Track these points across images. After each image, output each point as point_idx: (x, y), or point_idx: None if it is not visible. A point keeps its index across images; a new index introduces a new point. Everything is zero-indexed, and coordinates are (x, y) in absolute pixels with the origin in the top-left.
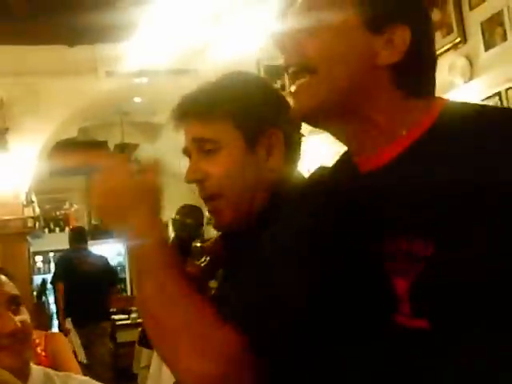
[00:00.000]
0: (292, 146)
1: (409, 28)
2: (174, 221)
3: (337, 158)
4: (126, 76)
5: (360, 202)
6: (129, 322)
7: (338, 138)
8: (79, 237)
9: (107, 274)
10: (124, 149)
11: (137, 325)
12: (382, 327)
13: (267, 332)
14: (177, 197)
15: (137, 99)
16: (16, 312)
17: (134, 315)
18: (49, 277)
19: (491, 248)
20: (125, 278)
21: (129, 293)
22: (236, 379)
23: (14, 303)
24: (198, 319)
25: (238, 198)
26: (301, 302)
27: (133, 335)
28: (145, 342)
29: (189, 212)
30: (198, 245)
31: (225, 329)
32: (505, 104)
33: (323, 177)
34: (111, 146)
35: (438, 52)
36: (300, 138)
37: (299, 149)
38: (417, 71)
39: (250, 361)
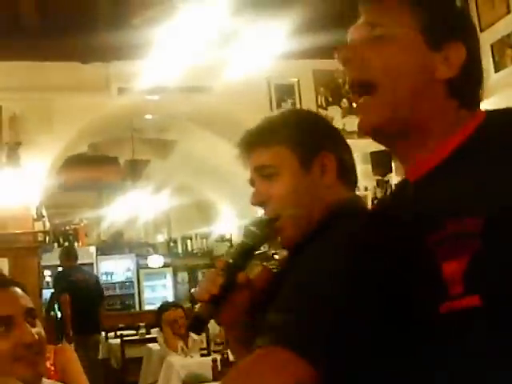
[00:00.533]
0: (344, 167)
1: (463, 45)
2: (245, 228)
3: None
4: (138, 93)
5: (410, 206)
6: (137, 337)
7: (395, 153)
8: (69, 254)
9: (98, 289)
10: (134, 165)
11: (145, 340)
12: (433, 318)
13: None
14: None
15: (148, 116)
16: (32, 324)
17: (142, 331)
18: None
19: None
20: (133, 294)
21: (137, 308)
22: None
23: (30, 316)
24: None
25: (298, 215)
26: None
27: (140, 351)
28: (195, 327)
29: (258, 223)
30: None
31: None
32: None
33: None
34: (121, 162)
35: None
36: (353, 161)
37: (353, 171)
38: (470, 84)
39: None
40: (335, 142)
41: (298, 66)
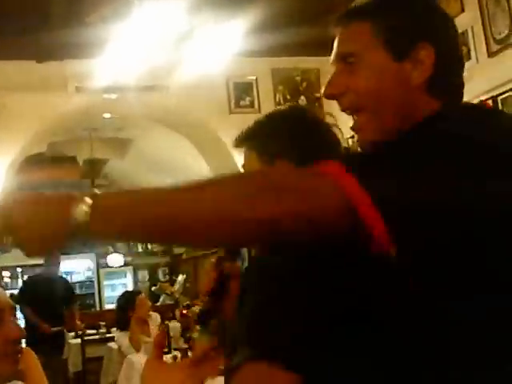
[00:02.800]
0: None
1: (430, 44)
2: None
3: None
4: (96, 92)
5: None
6: (97, 337)
7: None
8: None
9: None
10: (93, 164)
11: (106, 340)
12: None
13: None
14: None
15: (106, 115)
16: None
17: (102, 330)
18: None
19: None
20: (93, 293)
21: (97, 308)
22: None
23: (13, 313)
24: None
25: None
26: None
27: (101, 350)
28: (201, 319)
29: None
30: None
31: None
32: None
33: None
34: (80, 161)
35: None
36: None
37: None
38: (447, 78)
39: None
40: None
41: (257, 64)
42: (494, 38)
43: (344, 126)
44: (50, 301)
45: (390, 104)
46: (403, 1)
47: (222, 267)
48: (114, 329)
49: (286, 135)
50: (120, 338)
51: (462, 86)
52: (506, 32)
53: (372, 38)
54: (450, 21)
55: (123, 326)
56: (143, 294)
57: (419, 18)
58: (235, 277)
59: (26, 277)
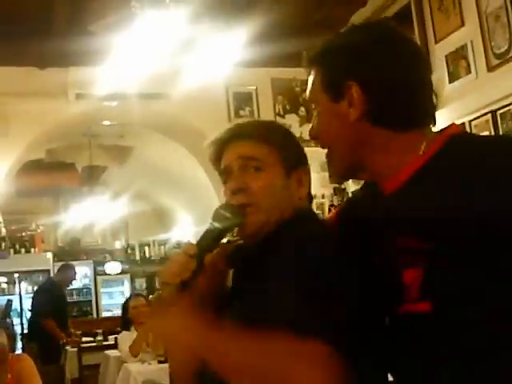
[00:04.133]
0: (310, 185)
1: (356, 82)
2: (216, 211)
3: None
4: (96, 99)
5: (378, 215)
6: (94, 344)
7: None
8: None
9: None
10: (91, 171)
11: (102, 347)
12: (393, 316)
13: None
14: None
15: (106, 122)
16: None
17: (99, 338)
18: (12, 298)
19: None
20: (90, 301)
21: (94, 315)
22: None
23: None
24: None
25: (271, 212)
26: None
27: (98, 358)
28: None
29: (229, 207)
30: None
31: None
32: None
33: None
34: (79, 168)
35: None
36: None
37: (311, 195)
38: (392, 107)
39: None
40: (307, 162)
41: (257, 74)
42: (493, 53)
43: None
44: (63, 311)
45: (341, 141)
46: (336, 45)
47: (203, 260)
48: (112, 336)
49: (301, 146)
50: (122, 338)
51: (420, 110)
52: (506, 47)
53: (318, 84)
54: (396, 52)
55: (124, 326)
56: (140, 299)
57: (345, 60)
58: (208, 270)
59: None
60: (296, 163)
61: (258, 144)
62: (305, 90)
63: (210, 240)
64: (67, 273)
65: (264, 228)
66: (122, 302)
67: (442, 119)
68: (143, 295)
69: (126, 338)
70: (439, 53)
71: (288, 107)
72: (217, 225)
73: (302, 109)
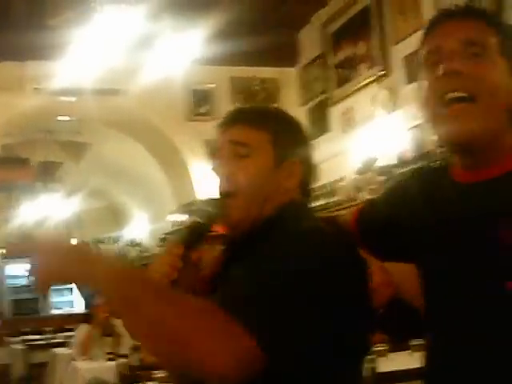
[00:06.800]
0: (306, 182)
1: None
2: (198, 207)
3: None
4: (54, 94)
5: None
6: (42, 342)
7: (462, 156)
8: None
9: None
10: (47, 167)
11: (51, 345)
12: (499, 295)
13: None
14: None
15: (63, 117)
16: None
17: (47, 335)
18: None
19: None
20: (39, 298)
21: (43, 312)
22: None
23: None
24: (215, 324)
25: (253, 201)
26: None
27: (47, 356)
28: None
29: (211, 202)
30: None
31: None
32: (424, 137)
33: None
34: (34, 163)
35: (361, 84)
36: (313, 179)
37: (311, 188)
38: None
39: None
40: (307, 156)
41: (216, 73)
42: None
43: None
44: None
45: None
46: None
47: (189, 258)
48: (61, 334)
49: (301, 137)
50: (80, 329)
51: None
52: None
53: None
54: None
55: (86, 320)
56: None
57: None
58: (193, 268)
59: None
60: (290, 153)
61: (250, 129)
62: (263, 90)
63: (194, 237)
64: None
65: (246, 218)
66: (72, 299)
67: (400, 120)
68: None
69: (84, 330)
70: (397, 54)
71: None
72: (199, 220)
73: None
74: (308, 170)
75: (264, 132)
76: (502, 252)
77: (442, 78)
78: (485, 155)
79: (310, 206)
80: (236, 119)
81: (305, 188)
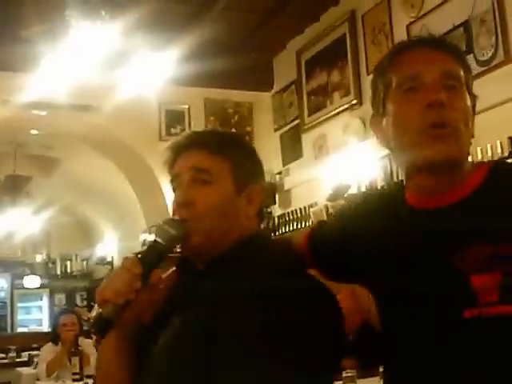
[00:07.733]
0: (262, 207)
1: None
2: (159, 227)
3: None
4: (24, 107)
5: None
6: (6, 361)
7: (433, 177)
8: None
9: None
10: (15, 180)
11: (15, 364)
12: (455, 322)
13: None
14: None
15: (33, 131)
16: None
17: (12, 354)
18: None
19: None
20: (5, 315)
21: (8, 330)
22: None
23: None
24: None
25: (214, 228)
26: None
27: (10, 375)
28: (101, 328)
29: (171, 223)
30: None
31: None
32: (393, 166)
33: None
34: (1, 176)
35: (334, 112)
36: (268, 207)
37: (264, 213)
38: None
39: None
40: (264, 182)
41: (190, 93)
42: (476, 60)
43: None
44: None
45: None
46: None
47: (148, 278)
48: (25, 353)
49: (258, 163)
50: (45, 349)
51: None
52: (490, 54)
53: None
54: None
55: (52, 340)
56: (72, 316)
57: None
58: (151, 289)
59: None
60: (249, 179)
61: (211, 155)
62: (237, 113)
63: (154, 256)
64: None
65: (207, 243)
66: (41, 317)
67: (371, 149)
68: (76, 312)
69: (50, 350)
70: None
71: (219, 128)
72: (160, 240)
73: (234, 130)
74: (266, 195)
75: (225, 159)
76: (458, 280)
77: (427, 110)
78: (452, 177)
79: (270, 236)
80: (195, 144)
81: (262, 213)
